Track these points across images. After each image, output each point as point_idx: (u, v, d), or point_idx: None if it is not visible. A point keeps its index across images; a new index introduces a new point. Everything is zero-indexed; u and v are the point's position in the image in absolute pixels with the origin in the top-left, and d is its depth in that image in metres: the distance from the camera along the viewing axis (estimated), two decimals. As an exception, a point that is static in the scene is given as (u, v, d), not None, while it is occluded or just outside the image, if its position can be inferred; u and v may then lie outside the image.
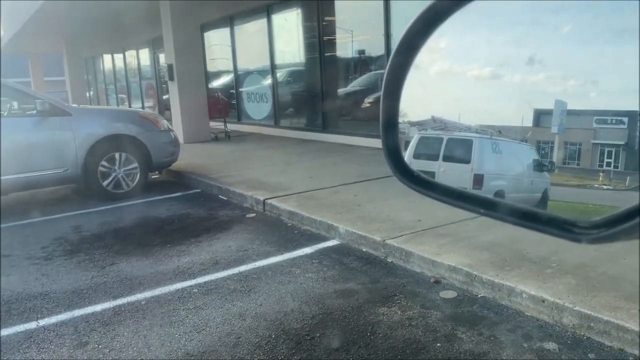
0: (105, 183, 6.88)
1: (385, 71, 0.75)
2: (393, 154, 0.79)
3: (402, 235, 4.20)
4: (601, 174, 0.62)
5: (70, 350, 3.01)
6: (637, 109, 0.56)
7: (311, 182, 6.46)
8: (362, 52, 9.88)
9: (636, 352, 2.58)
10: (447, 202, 0.72)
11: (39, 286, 4.02)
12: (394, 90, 0.75)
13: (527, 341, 2.81)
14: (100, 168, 6.81)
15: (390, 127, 0.78)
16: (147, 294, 3.76)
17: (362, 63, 9.95)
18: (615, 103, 0.59)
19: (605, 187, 0.61)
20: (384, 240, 4.16)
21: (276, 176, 7.02)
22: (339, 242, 4.59)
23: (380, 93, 0.77)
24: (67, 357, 2.95)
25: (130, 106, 21.41)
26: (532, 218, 0.60)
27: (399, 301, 3.39)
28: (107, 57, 24.71)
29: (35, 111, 6.44)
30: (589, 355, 2.65)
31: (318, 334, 3.03)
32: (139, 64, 21.19)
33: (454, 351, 2.77)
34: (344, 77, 10.54)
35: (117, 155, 6.92)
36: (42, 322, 3.40)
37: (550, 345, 2.76)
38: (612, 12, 0.57)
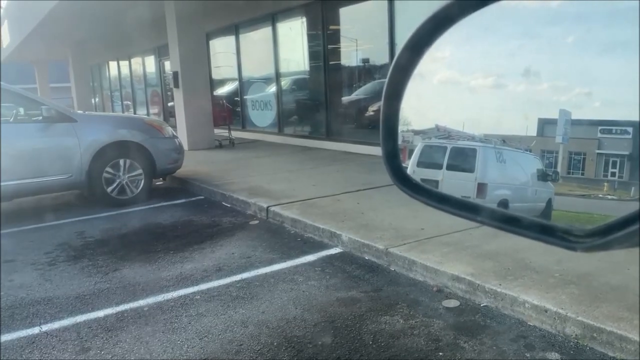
0: (109, 189, 6.90)
1: (389, 71, 0.74)
2: (391, 156, 0.78)
3: (405, 244, 4.20)
4: (606, 184, 0.62)
5: (72, 356, 3.01)
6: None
7: (314, 190, 6.46)
8: (366, 60, 9.91)
9: (640, 363, 2.57)
10: (443, 209, 0.72)
11: (42, 291, 4.03)
12: (396, 91, 0.75)
13: (530, 351, 2.80)
14: (105, 174, 6.83)
15: (390, 127, 0.78)
16: (150, 300, 3.76)
17: (366, 71, 9.98)
18: (620, 113, 0.59)
19: (609, 197, 0.61)
20: (386, 249, 4.15)
21: (279, 183, 7.03)
22: (341, 250, 4.58)
23: (382, 93, 0.76)
24: (69, 362, 2.95)
25: (135, 113, 21.51)
26: (528, 226, 0.60)
27: (401, 310, 3.38)
28: (112, 64, 24.84)
29: (40, 117, 6.48)
30: (592, 366, 2.64)
31: (320, 342, 3.02)
32: (144, 71, 21.30)
33: (457, 361, 2.76)
34: (348, 86, 10.57)
35: (121, 161, 6.95)
36: (45, 328, 3.40)
37: (553, 356, 2.74)
38: (614, 21, 0.58)
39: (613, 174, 0.61)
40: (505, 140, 0.72)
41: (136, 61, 21.79)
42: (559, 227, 0.57)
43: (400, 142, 0.81)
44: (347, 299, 3.58)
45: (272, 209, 5.75)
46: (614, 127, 0.59)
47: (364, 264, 4.24)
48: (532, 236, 0.58)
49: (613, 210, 0.58)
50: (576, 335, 2.84)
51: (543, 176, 0.66)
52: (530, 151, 0.68)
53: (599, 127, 0.60)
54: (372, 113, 9.48)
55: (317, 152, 10.00)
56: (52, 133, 6.49)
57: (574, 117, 0.61)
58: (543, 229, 0.59)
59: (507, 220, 0.63)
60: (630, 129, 0.58)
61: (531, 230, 0.59)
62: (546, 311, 2.99)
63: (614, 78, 0.58)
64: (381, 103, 0.76)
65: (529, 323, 3.07)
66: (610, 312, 2.84)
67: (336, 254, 4.54)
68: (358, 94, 10.22)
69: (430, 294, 3.58)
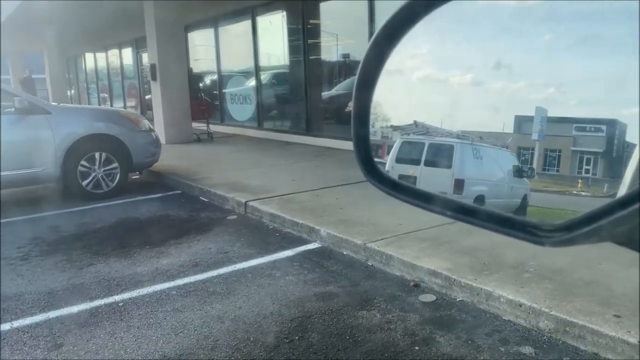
0: (84, 183, 6.79)
1: (361, 62, 0.74)
2: (363, 148, 0.78)
3: (383, 239, 4.22)
4: (580, 180, 0.62)
5: (44, 352, 2.96)
6: (615, 117, 0.57)
7: (294, 185, 6.45)
8: (346, 56, 9.92)
9: (609, 356, 2.62)
10: (412, 204, 0.72)
11: (14, 287, 3.95)
12: (369, 80, 0.75)
13: (504, 345, 2.84)
14: (80, 168, 6.72)
15: (361, 120, 0.78)
16: (125, 295, 3.71)
17: (346, 67, 9.98)
18: (595, 111, 0.60)
19: (583, 193, 0.61)
20: (364, 244, 4.17)
21: (258, 178, 7.00)
22: (320, 245, 4.59)
23: (354, 85, 0.76)
24: (42, 359, 2.90)
25: (111, 105, 21.21)
26: (498, 221, 0.61)
27: (378, 304, 3.39)
28: (89, 56, 24.43)
29: (13, 109, 6.34)
30: (564, 359, 2.69)
31: (297, 337, 3.02)
32: (121, 63, 20.99)
33: (432, 354, 2.78)
34: (328, 81, 10.56)
35: (97, 154, 6.84)
36: (16, 324, 3.33)
37: (527, 349, 2.79)
38: (590, 20, 0.58)
39: (587, 171, 0.61)
40: (482, 137, 0.72)
41: (113, 53, 21.45)
42: (528, 222, 0.58)
43: (379, 138, 0.81)
44: (324, 294, 3.59)
45: (250, 204, 5.72)
46: (588, 125, 0.60)
47: (342, 259, 4.25)
48: (502, 231, 0.59)
49: (586, 206, 0.59)
50: (549, 329, 2.89)
51: (519, 173, 0.67)
52: (507, 148, 0.68)
53: (574, 125, 0.61)
54: (351, 108, 9.48)
55: (296, 147, 9.99)
56: (26, 125, 6.37)
57: (550, 114, 0.61)
58: (513, 223, 0.59)
59: (477, 215, 0.63)
60: (604, 127, 0.59)
61: (501, 225, 0.59)
62: (521, 306, 3.04)
63: (588, 77, 0.59)
64: (353, 92, 0.76)
65: (503, 317, 3.11)
66: (583, 307, 2.90)
67: (314, 249, 4.54)
68: (338, 89, 10.23)
69: (407, 288, 3.61)
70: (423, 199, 0.71)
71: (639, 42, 0.49)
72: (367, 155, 0.78)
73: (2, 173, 6.19)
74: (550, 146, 0.63)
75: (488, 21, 0.72)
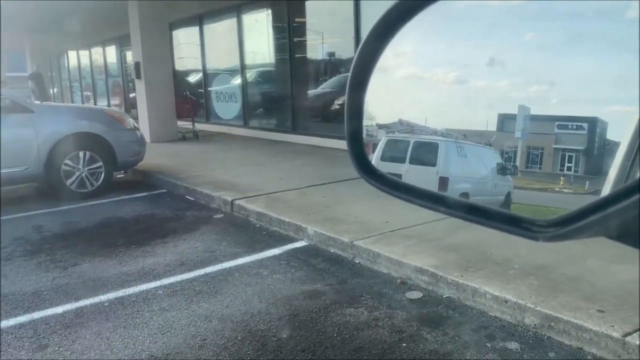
0: (68, 182, 6.72)
1: (354, 59, 0.74)
2: (356, 145, 0.78)
3: (369, 237, 4.23)
4: (562, 178, 0.63)
5: (29, 353, 2.93)
6: (597, 115, 0.57)
7: (280, 183, 6.44)
8: (332, 54, 9.92)
9: (594, 350, 2.66)
10: (405, 199, 0.72)
11: (-3, 288, 3.90)
12: (362, 79, 0.75)
13: (491, 341, 2.87)
14: (64, 167, 6.65)
15: (354, 116, 0.78)
16: (111, 295, 3.68)
17: (332, 65, 9.98)
18: (576, 109, 0.60)
19: (565, 191, 0.62)
20: (351, 242, 4.17)
21: (245, 177, 6.98)
22: (307, 243, 4.59)
23: (347, 84, 0.76)
24: (26, 360, 2.87)
25: (95, 104, 20.99)
26: (492, 216, 0.61)
27: (365, 302, 3.40)
28: (72, 54, 24.14)
29: (-5, 107, 6.26)
30: (549, 354, 2.72)
31: (284, 335, 3.02)
32: (105, 61, 20.79)
33: (419, 351, 2.80)
34: (313, 79, 10.55)
35: (81, 153, 6.77)
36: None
37: (513, 345, 2.81)
38: (571, 20, 0.59)
39: (569, 169, 0.62)
40: (466, 135, 0.72)
41: (97, 51, 21.24)
42: (523, 218, 0.58)
43: (364, 136, 0.81)
44: (312, 292, 3.59)
45: (237, 202, 5.70)
46: (570, 123, 0.61)
47: (330, 257, 4.26)
48: (496, 226, 0.59)
49: (569, 203, 0.60)
50: (535, 324, 2.92)
51: (502, 170, 0.67)
52: (491, 146, 0.69)
53: (556, 123, 0.62)
54: (337, 107, 9.49)
55: (283, 146, 9.97)
56: (8, 124, 6.28)
57: (533, 112, 0.62)
58: (507, 219, 0.59)
59: (471, 211, 0.64)
60: (585, 125, 0.59)
61: (495, 220, 0.60)
62: (506, 302, 3.07)
63: (570, 76, 0.59)
64: (346, 89, 0.76)
65: (489, 313, 3.14)
66: (567, 302, 2.93)
67: (302, 247, 4.54)
68: (324, 87, 10.23)
69: (394, 285, 3.63)
70: (414, 194, 0.72)
71: (638, 42, 0.49)
72: (360, 152, 0.78)
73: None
74: (533, 144, 0.64)
75: (473, 20, 0.73)
